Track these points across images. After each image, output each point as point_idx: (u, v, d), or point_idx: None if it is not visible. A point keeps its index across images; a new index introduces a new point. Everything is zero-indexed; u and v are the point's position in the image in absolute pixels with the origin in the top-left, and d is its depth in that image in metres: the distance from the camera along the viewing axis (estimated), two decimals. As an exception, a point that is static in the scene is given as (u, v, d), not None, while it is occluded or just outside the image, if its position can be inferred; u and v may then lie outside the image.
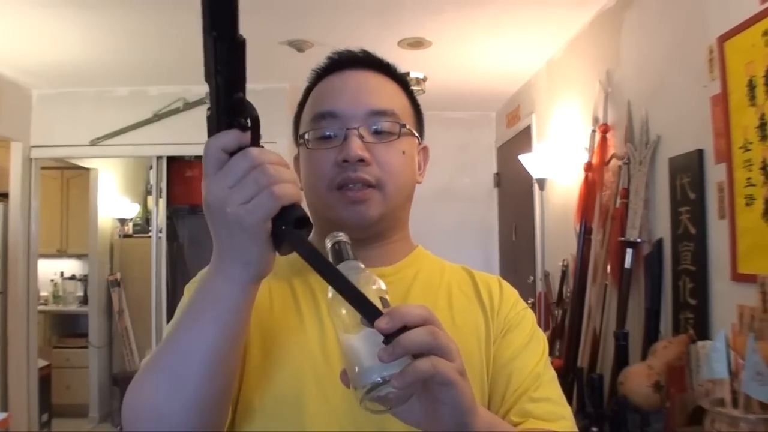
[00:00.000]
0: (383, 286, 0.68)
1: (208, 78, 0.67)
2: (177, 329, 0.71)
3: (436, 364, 0.61)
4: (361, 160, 0.86)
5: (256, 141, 0.67)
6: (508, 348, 0.91)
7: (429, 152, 1.03)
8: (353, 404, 0.81)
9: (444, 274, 0.99)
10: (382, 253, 0.94)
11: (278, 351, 0.85)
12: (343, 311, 0.65)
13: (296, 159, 1.00)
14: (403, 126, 0.92)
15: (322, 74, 0.98)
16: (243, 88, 0.68)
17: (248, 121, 0.68)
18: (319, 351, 0.85)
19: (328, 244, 0.72)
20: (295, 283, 0.92)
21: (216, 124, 0.68)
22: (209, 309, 0.69)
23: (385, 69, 0.97)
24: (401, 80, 0.98)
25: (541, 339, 0.95)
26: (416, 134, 0.97)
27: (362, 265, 0.69)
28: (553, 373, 0.92)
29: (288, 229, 0.65)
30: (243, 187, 0.63)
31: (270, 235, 0.65)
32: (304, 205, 0.71)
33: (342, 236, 0.72)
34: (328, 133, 0.90)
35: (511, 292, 0.99)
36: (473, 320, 0.92)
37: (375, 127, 0.90)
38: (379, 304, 0.63)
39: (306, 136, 0.92)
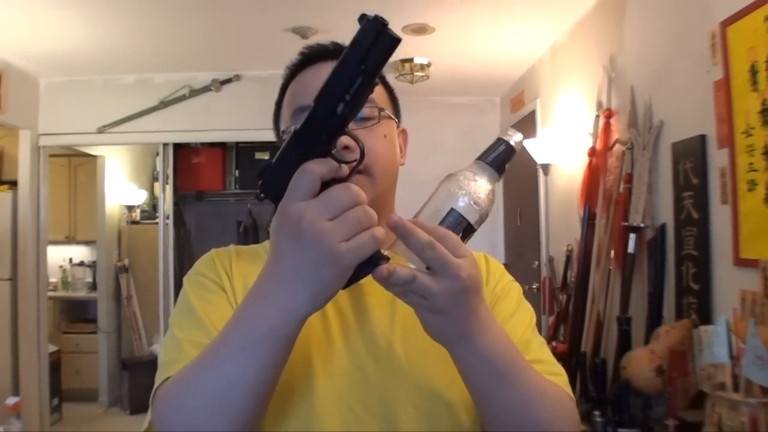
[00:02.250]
0: (473, 203, 0.71)
1: (326, 101, 0.67)
2: (222, 352, 0.70)
3: (414, 280, 0.66)
4: (346, 147, 0.85)
5: (348, 178, 0.68)
6: (497, 317, 0.94)
7: (408, 134, 1.04)
8: (357, 383, 0.86)
9: None
10: None
11: None
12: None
13: None
14: (382, 110, 0.94)
15: (295, 70, 0.99)
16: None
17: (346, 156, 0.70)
18: (322, 334, 0.89)
19: (502, 136, 0.74)
20: None
21: (310, 148, 0.67)
22: (261, 340, 0.68)
23: None
24: None
25: (529, 309, 0.98)
26: (394, 118, 0.99)
27: (485, 179, 0.73)
28: (542, 340, 0.95)
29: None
30: (345, 223, 0.63)
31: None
32: None
33: (514, 140, 0.74)
34: None
35: (497, 266, 1.03)
36: None
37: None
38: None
39: (290, 130, 0.93)
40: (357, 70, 0.65)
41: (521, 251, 4.80)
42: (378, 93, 0.96)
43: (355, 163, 0.70)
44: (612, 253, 2.79)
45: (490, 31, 3.67)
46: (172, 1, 3.16)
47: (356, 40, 0.66)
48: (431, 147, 5.36)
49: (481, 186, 0.72)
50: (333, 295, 0.67)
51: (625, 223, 2.62)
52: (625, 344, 2.39)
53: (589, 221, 3.03)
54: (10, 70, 4.06)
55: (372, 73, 0.65)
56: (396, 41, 0.65)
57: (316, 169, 0.65)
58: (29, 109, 4.34)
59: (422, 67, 4.24)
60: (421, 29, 3.61)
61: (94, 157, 5.60)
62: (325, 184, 0.65)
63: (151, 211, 6.02)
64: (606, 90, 3.02)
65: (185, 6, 3.23)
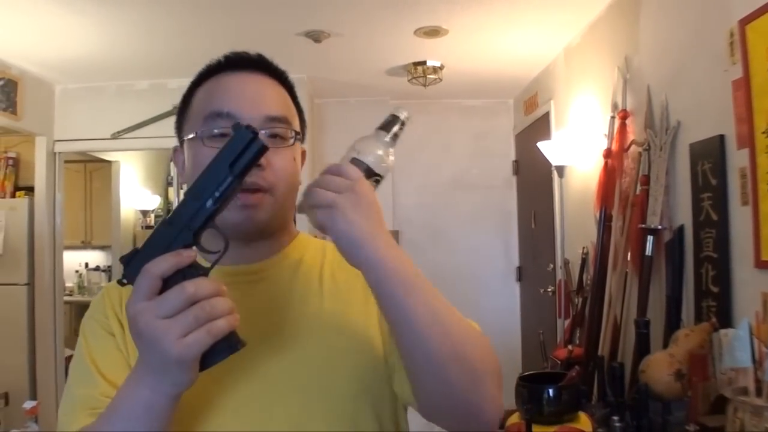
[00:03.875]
0: (379, 162, 0.86)
1: (197, 195, 0.74)
2: (109, 428, 0.77)
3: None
4: (258, 166, 0.86)
5: (201, 272, 0.73)
6: None
7: (306, 155, 1.07)
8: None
9: (326, 254, 1.04)
10: (265, 246, 0.99)
11: None
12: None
13: (177, 151, 1.02)
14: (297, 134, 0.98)
15: (213, 72, 0.98)
16: None
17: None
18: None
19: (394, 112, 0.88)
20: None
21: (177, 238, 0.74)
22: (141, 416, 0.74)
23: (279, 76, 1.01)
24: (290, 87, 1.03)
25: None
26: (301, 141, 1.02)
27: (387, 143, 0.87)
28: None
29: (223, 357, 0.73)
30: (179, 322, 0.68)
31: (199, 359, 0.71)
32: None
33: (404, 117, 0.88)
34: (221, 133, 0.91)
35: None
36: (361, 288, 0.93)
37: (269, 131, 0.93)
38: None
39: (200, 134, 0.93)
40: (228, 171, 0.73)
41: (536, 254, 4.77)
42: (291, 113, 0.99)
43: (219, 254, 0.77)
44: (629, 255, 2.76)
45: (503, 33, 3.65)
46: (185, 6, 3.17)
47: (229, 145, 0.74)
48: (444, 150, 5.35)
49: (369, 144, 0.87)
50: (191, 381, 0.73)
51: (643, 225, 2.59)
52: (643, 348, 2.36)
53: (605, 223, 3.00)
54: (27, 77, 4.09)
55: (240, 174, 0.74)
56: (264, 149, 0.75)
57: (154, 269, 0.70)
58: (45, 115, 4.38)
59: (435, 69, 4.22)
60: (433, 32, 3.60)
61: (109, 162, 5.65)
62: (176, 277, 0.70)
63: (165, 215, 6.04)
64: (621, 91, 2.99)
65: (198, 11, 3.24)
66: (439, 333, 0.78)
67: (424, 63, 4.17)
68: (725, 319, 2.09)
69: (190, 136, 0.95)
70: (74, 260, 6.04)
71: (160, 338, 0.68)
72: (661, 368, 2.00)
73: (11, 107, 3.95)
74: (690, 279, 2.37)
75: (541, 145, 3.88)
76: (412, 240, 5.02)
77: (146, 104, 4.44)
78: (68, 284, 5.90)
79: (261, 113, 0.93)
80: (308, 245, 1.06)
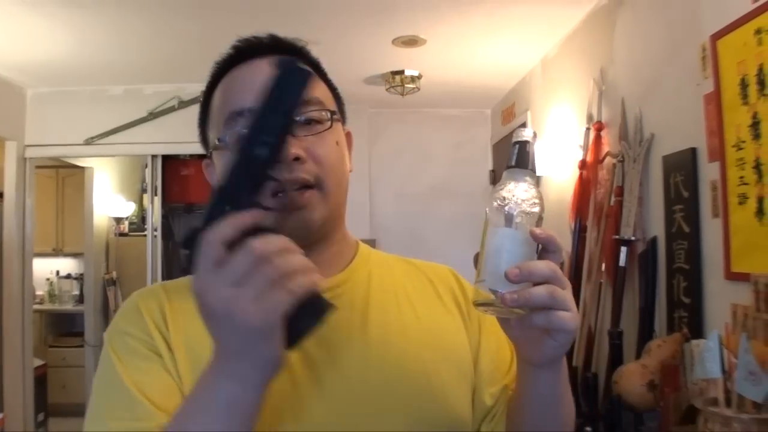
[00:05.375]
0: (538, 210, 0.74)
1: (244, 148, 0.64)
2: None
3: (551, 316, 0.69)
4: (297, 159, 0.77)
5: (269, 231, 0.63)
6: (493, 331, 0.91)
7: (352, 137, 0.94)
8: (335, 426, 0.78)
9: (393, 271, 0.95)
10: (327, 259, 0.86)
11: None
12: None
13: (208, 165, 0.91)
14: (333, 113, 0.85)
15: (226, 67, 0.88)
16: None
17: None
18: (288, 384, 0.77)
19: (517, 139, 0.75)
20: None
21: (236, 202, 0.63)
22: (223, 416, 0.63)
23: (298, 54, 0.89)
24: (316, 65, 0.90)
25: None
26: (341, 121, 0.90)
27: (531, 182, 0.74)
28: None
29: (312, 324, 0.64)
30: (251, 284, 0.58)
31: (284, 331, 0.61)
32: None
33: (529, 138, 0.75)
34: None
35: (468, 284, 0.95)
36: (441, 320, 0.90)
37: (302, 118, 0.81)
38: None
39: (225, 140, 0.82)
40: (268, 109, 0.64)
41: (512, 264, 4.78)
42: (324, 93, 0.86)
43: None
44: (603, 266, 2.78)
45: (481, 43, 3.67)
46: (161, 11, 3.14)
47: (268, 83, 0.65)
48: (422, 159, 5.37)
49: (521, 190, 0.74)
50: (277, 360, 0.62)
51: (616, 236, 2.61)
52: (616, 359, 2.38)
53: (579, 234, 3.02)
54: (-3, 80, 4.03)
55: (287, 110, 0.65)
56: (306, 73, 0.65)
57: (216, 236, 0.60)
58: (15, 119, 4.30)
59: (413, 79, 4.24)
60: (411, 41, 3.61)
61: (82, 168, 5.56)
62: (242, 243, 0.60)
63: (139, 223, 5.97)
64: (596, 102, 3.02)
65: (174, 17, 3.21)
66: (567, 424, 0.84)
67: (402, 72, 4.18)
68: (697, 330, 2.11)
69: (215, 144, 0.85)
70: (45, 268, 5.93)
71: (232, 309, 0.58)
72: (633, 379, 2.01)
73: (-19, 111, 3.88)
74: (662, 290, 2.39)
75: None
76: (390, 248, 4.93)
77: (121, 110, 4.39)
78: (39, 292, 5.80)
79: None
80: (372, 257, 0.95)
